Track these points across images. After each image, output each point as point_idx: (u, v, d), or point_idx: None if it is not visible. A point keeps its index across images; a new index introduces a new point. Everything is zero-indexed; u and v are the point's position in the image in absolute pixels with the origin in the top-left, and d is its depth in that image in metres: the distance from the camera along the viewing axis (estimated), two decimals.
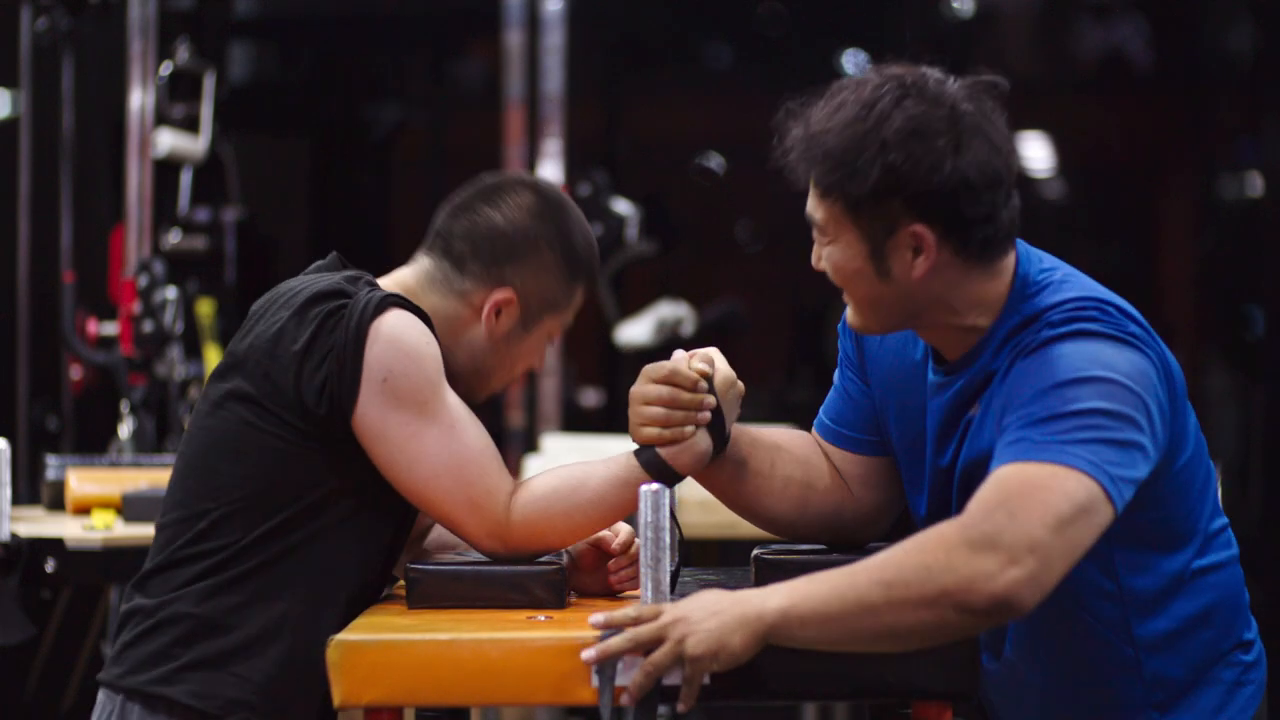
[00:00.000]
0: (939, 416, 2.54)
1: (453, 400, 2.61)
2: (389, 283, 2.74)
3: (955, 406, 2.52)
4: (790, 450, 2.70)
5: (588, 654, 2.26)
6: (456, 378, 2.70)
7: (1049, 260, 2.53)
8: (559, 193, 2.79)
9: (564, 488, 2.61)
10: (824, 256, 2.48)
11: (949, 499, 2.53)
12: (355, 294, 2.61)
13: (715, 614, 2.24)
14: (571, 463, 2.66)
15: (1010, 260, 2.49)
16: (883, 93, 2.40)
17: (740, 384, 2.61)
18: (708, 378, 2.57)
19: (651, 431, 2.57)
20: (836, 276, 2.48)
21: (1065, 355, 2.36)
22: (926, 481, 2.58)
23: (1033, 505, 2.23)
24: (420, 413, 2.57)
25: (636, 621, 2.26)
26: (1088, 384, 2.32)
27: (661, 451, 2.57)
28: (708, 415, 2.56)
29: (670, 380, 2.56)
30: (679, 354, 2.59)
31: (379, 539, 2.66)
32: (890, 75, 2.44)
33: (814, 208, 2.46)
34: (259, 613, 2.60)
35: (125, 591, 2.68)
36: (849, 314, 2.53)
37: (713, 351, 2.61)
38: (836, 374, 2.75)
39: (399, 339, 2.58)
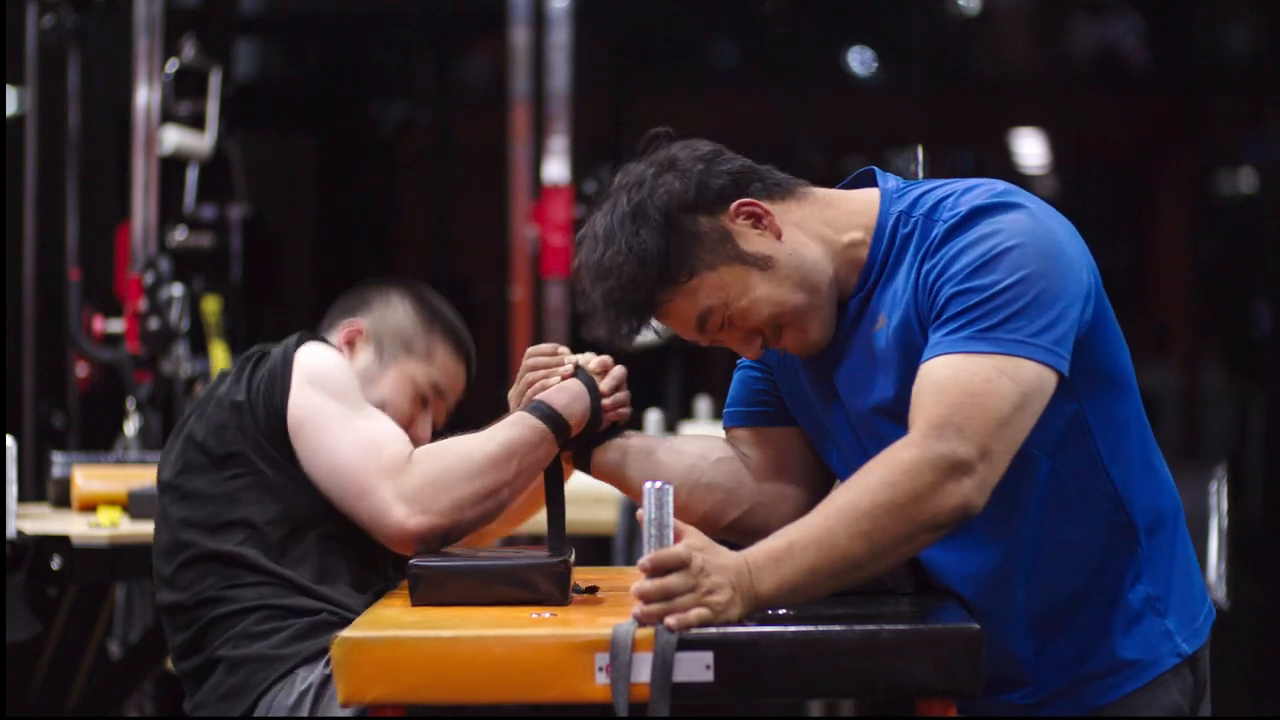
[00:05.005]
0: (846, 345, 2.60)
1: (370, 405, 2.89)
2: None
3: (856, 322, 2.58)
4: (689, 438, 2.82)
5: (636, 609, 2.30)
6: None
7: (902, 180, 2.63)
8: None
9: (455, 442, 2.79)
10: (747, 323, 2.56)
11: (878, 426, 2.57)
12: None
13: (731, 585, 2.30)
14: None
15: (862, 195, 2.60)
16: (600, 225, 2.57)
17: (620, 368, 2.78)
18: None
19: (518, 387, 2.79)
20: (765, 310, 2.55)
21: (966, 243, 2.44)
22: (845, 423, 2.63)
23: (977, 414, 2.34)
24: (341, 400, 2.84)
25: (675, 560, 2.29)
26: (993, 261, 2.41)
27: (540, 395, 2.77)
28: (569, 368, 2.77)
29: (530, 353, 2.82)
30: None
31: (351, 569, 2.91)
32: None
33: (691, 308, 2.55)
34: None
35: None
36: (802, 349, 2.60)
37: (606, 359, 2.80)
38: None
39: (320, 357, 2.89)
